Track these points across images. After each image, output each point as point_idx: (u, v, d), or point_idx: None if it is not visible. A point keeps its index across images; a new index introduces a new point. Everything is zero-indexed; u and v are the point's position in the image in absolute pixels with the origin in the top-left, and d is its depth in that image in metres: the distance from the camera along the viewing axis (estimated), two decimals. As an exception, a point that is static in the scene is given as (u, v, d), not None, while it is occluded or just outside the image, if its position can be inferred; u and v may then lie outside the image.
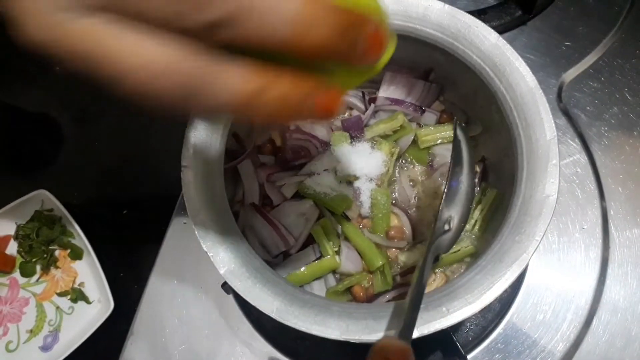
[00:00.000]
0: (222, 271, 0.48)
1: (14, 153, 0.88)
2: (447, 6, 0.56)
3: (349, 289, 0.62)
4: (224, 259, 0.48)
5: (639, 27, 0.81)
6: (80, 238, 0.74)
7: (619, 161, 0.75)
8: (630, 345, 0.67)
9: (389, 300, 0.60)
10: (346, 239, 0.64)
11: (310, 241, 0.64)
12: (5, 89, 0.90)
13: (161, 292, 0.73)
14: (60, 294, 0.76)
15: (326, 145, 0.67)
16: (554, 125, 0.51)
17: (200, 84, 0.24)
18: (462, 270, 0.62)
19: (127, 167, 0.83)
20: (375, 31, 0.26)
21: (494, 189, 0.63)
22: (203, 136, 0.54)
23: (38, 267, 0.78)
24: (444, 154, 0.66)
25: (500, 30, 0.71)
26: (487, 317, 0.68)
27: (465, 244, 0.61)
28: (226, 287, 0.65)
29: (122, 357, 0.71)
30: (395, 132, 0.66)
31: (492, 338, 0.68)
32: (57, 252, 0.78)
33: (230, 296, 0.69)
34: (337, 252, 0.63)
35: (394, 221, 0.65)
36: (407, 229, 0.65)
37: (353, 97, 0.69)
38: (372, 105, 0.68)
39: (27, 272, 0.78)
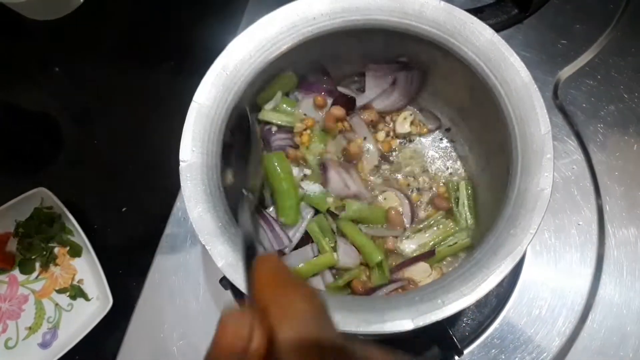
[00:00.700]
0: (220, 264, 0.48)
1: (14, 152, 0.89)
2: (442, 3, 0.57)
3: (348, 284, 0.63)
4: (222, 252, 0.48)
5: (635, 25, 0.82)
6: (79, 235, 0.75)
7: (614, 158, 0.76)
8: (626, 341, 0.68)
9: (386, 293, 0.60)
10: (342, 235, 0.64)
11: (308, 239, 0.65)
12: (6, 89, 0.91)
13: (160, 289, 0.73)
14: (59, 291, 0.77)
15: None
16: (548, 119, 0.51)
17: None
18: (456, 265, 0.63)
19: (126, 165, 0.83)
20: None
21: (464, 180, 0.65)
22: (201, 132, 0.54)
23: (37, 264, 0.78)
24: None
25: (497, 28, 0.72)
26: (483, 312, 0.69)
27: (462, 237, 0.62)
28: (224, 282, 0.66)
29: (121, 353, 0.71)
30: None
31: (489, 333, 0.68)
32: (56, 250, 0.78)
33: (228, 292, 0.69)
34: (334, 249, 0.63)
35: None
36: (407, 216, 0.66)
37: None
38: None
39: (26, 269, 0.78)
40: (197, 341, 0.70)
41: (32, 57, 0.94)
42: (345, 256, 0.62)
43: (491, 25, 0.56)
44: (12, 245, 0.79)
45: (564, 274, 0.71)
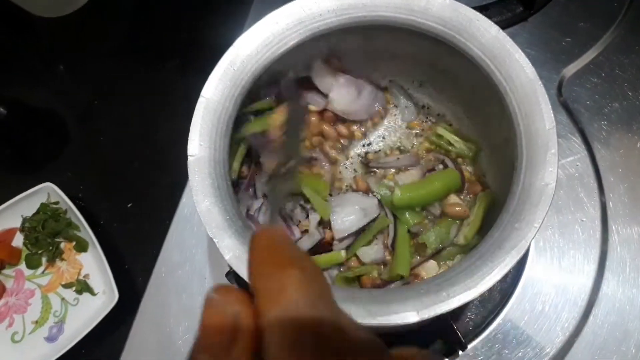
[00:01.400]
0: (227, 257, 0.48)
1: (20, 149, 0.89)
2: (448, 0, 0.57)
3: (358, 277, 0.63)
4: (229, 245, 0.49)
5: (639, 23, 0.82)
6: (85, 230, 0.75)
7: (618, 156, 0.76)
8: (628, 338, 0.68)
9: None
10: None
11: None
12: (12, 86, 0.92)
13: (166, 283, 0.74)
14: (66, 286, 0.77)
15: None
16: (552, 115, 0.52)
17: None
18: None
19: (131, 161, 0.84)
20: None
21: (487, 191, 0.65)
22: (209, 126, 0.55)
23: (44, 259, 0.79)
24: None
25: (502, 26, 0.71)
26: (487, 307, 0.69)
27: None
28: (230, 276, 0.66)
29: (126, 347, 0.72)
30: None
31: (492, 328, 0.68)
32: (62, 245, 0.79)
33: (235, 286, 0.70)
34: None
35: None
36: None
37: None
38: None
39: (32, 264, 0.79)
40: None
41: (38, 54, 0.94)
42: (372, 252, 0.63)
43: (496, 23, 0.56)
44: (18, 241, 0.80)
45: (567, 270, 0.71)
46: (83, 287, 0.76)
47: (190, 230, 0.76)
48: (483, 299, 0.70)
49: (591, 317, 0.69)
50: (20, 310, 0.77)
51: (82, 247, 0.78)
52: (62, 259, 0.79)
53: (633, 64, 0.80)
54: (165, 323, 0.72)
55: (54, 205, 0.79)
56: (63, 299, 0.77)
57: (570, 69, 0.80)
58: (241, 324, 0.25)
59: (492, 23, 0.56)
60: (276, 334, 0.24)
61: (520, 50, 0.54)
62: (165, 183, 0.80)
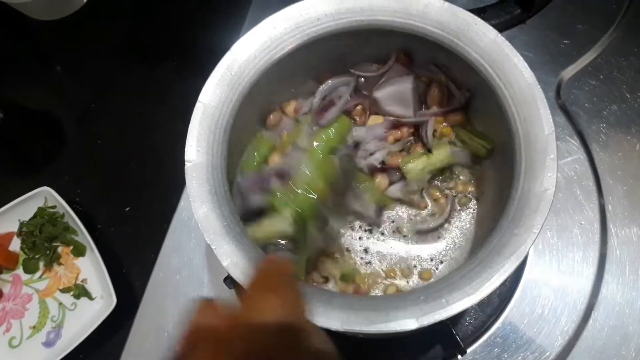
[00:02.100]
0: (225, 263, 0.48)
1: (17, 151, 0.89)
2: (447, 4, 0.57)
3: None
4: (227, 251, 0.49)
5: (637, 25, 0.82)
6: (83, 234, 0.75)
7: (617, 158, 0.76)
8: (628, 341, 0.68)
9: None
10: None
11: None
12: (8, 88, 0.91)
13: (164, 288, 0.74)
14: (63, 290, 0.77)
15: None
16: (552, 120, 0.52)
17: None
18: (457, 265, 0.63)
19: (129, 164, 0.84)
20: None
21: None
22: (207, 132, 0.54)
23: (41, 264, 0.79)
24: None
25: (500, 28, 0.71)
26: (486, 311, 0.69)
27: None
28: (228, 281, 0.66)
29: (125, 352, 0.71)
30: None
31: (491, 332, 0.68)
32: (60, 249, 0.79)
33: (233, 291, 0.70)
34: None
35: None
36: None
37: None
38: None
39: (30, 269, 0.78)
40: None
41: (35, 56, 0.94)
42: None
43: (494, 26, 0.56)
44: (15, 245, 0.79)
45: (566, 273, 0.71)
46: (81, 291, 0.76)
47: (189, 234, 0.76)
48: (482, 303, 0.70)
49: (591, 321, 0.69)
50: (18, 315, 0.77)
51: (79, 251, 0.78)
52: (60, 264, 0.78)
53: (631, 66, 0.80)
54: (164, 327, 0.72)
55: (51, 210, 0.78)
56: (61, 303, 0.77)
57: (569, 72, 0.80)
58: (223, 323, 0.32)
59: (491, 27, 0.56)
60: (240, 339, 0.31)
61: (518, 55, 0.54)
62: (163, 186, 0.80)
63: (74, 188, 0.81)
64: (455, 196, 0.66)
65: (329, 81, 0.67)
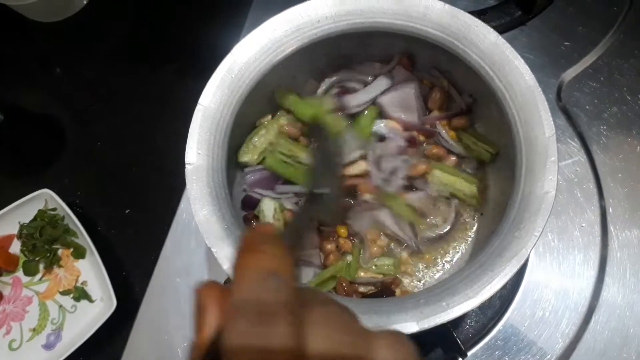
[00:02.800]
0: (225, 266, 0.48)
1: (17, 153, 0.89)
2: (447, 6, 0.57)
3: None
4: (228, 254, 0.49)
5: (638, 27, 0.82)
6: (83, 237, 0.75)
7: (617, 160, 0.76)
8: (629, 343, 0.68)
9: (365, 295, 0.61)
10: None
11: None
12: (8, 90, 0.91)
13: (164, 290, 0.74)
14: (63, 293, 0.77)
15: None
16: (552, 122, 0.51)
17: None
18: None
19: (129, 166, 0.83)
20: None
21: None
22: (207, 135, 0.54)
23: (41, 266, 0.78)
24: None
25: (500, 30, 0.72)
26: (487, 314, 0.69)
27: None
28: (229, 284, 0.66)
29: (125, 355, 0.71)
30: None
31: (492, 335, 0.68)
32: (60, 251, 0.78)
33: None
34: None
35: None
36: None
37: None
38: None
39: (30, 271, 0.78)
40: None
41: (34, 58, 0.94)
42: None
43: (494, 28, 0.56)
44: (15, 247, 0.79)
45: (567, 275, 0.71)
46: (81, 294, 0.76)
47: (189, 237, 0.76)
48: (483, 305, 0.69)
49: (591, 323, 0.69)
50: (18, 317, 0.76)
51: (79, 253, 0.78)
52: (60, 266, 0.78)
53: (632, 68, 0.80)
54: (164, 330, 0.72)
55: (52, 212, 0.78)
56: (61, 306, 0.76)
57: (569, 74, 0.80)
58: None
59: (491, 29, 0.56)
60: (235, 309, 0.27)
61: (519, 57, 0.54)
62: (164, 188, 0.80)
63: (74, 190, 0.81)
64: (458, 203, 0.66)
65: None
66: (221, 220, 0.50)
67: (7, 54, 0.93)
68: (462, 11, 0.57)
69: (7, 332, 0.75)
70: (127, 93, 0.89)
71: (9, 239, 0.79)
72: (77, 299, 0.76)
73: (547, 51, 0.81)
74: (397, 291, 0.62)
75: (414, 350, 0.30)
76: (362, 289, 0.62)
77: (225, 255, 0.49)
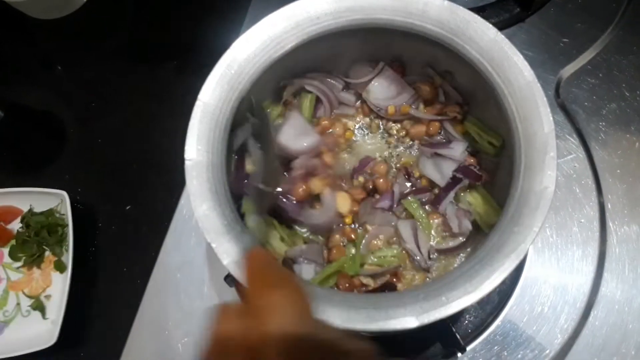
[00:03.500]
0: (225, 262, 0.48)
1: (17, 151, 0.89)
2: (446, 2, 0.57)
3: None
4: (227, 249, 0.49)
5: (637, 23, 0.82)
6: (68, 255, 0.74)
7: (616, 156, 0.76)
8: (627, 338, 0.68)
9: (367, 291, 0.62)
10: None
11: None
12: (9, 88, 0.91)
13: (164, 286, 0.74)
14: (28, 294, 0.76)
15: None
16: (551, 118, 0.52)
17: None
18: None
19: (129, 163, 0.83)
20: None
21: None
22: (206, 131, 0.54)
23: (24, 259, 0.78)
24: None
25: (499, 27, 0.71)
26: (485, 309, 0.69)
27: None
28: (229, 279, 0.66)
29: (125, 350, 0.71)
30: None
31: (491, 330, 0.68)
32: (47, 253, 0.78)
33: (233, 289, 0.70)
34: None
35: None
36: None
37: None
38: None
39: (14, 255, 0.78)
40: (201, 338, 0.71)
41: (35, 55, 0.94)
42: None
43: (493, 24, 0.56)
44: (15, 225, 0.79)
45: (566, 271, 0.71)
46: (39, 305, 0.75)
47: (189, 233, 0.76)
48: (482, 300, 0.69)
49: (590, 319, 0.69)
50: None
51: (60, 267, 0.77)
52: (40, 268, 0.78)
53: (631, 64, 0.80)
54: (164, 326, 0.72)
55: (59, 216, 0.78)
56: (18, 304, 0.76)
57: (568, 70, 0.80)
58: (247, 330, 0.32)
59: (490, 25, 0.56)
60: (269, 346, 0.31)
61: (518, 53, 0.54)
62: (164, 185, 0.80)
63: (74, 187, 0.81)
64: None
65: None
66: (221, 215, 0.50)
67: (7, 52, 0.93)
68: (461, 7, 0.57)
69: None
70: (127, 90, 0.89)
71: (13, 213, 0.79)
72: (34, 307, 0.75)
73: (545, 48, 0.81)
74: (400, 286, 0.62)
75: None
76: (365, 280, 0.62)
77: (225, 250, 0.49)
